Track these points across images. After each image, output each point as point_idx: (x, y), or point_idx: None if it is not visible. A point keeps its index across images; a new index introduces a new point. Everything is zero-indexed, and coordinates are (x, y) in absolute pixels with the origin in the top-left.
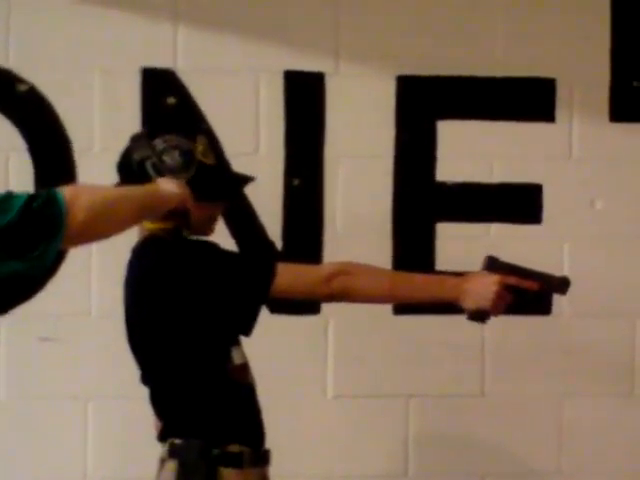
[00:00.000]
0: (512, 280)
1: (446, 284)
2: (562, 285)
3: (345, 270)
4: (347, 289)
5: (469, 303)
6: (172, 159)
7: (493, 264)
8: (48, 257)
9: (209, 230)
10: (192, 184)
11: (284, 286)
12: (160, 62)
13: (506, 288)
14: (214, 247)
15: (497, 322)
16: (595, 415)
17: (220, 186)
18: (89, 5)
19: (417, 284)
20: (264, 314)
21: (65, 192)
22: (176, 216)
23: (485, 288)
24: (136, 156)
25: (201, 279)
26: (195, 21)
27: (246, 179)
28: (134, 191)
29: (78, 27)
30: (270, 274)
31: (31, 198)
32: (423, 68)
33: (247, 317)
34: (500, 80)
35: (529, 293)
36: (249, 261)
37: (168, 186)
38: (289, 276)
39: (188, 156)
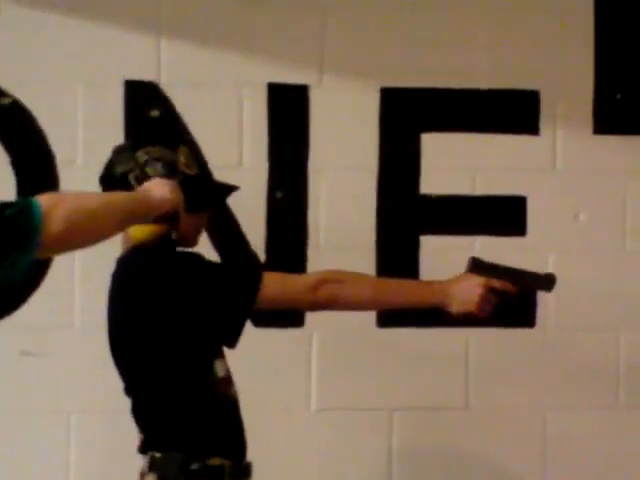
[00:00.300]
0: (496, 283)
1: (431, 288)
2: (548, 282)
3: (331, 278)
4: (334, 297)
5: (454, 307)
6: (155, 171)
7: (477, 265)
8: (20, 267)
9: (194, 241)
10: None
11: (270, 296)
12: (143, 75)
13: (491, 290)
14: (199, 258)
15: (481, 334)
16: (580, 427)
17: (205, 196)
18: (72, 18)
19: (403, 290)
20: (248, 327)
21: (42, 200)
22: (167, 220)
23: (470, 291)
24: (119, 169)
25: (187, 290)
26: (178, 34)
27: (231, 188)
28: (119, 197)
29: (61, 40)
30: (256, 284)
31: (5, 206)
32: (407, 80)
33: (233, 328)
34: (484, 92)
35: (515, 294)
36: (235, 272)
37: (160, 190)
38: (275, 286)
39: (171, 167)
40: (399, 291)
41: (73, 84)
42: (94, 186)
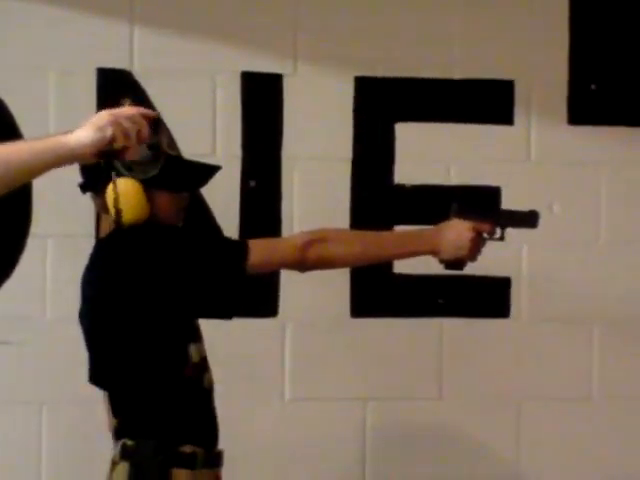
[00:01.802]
0: (484, 226)
1: (421, 237)
2: (532, 218)
3: (319, 238)
4: (322, 256)
5: (446, 254)
6: (139, 154)
7: (461, 211)
8: None
9: (177, 221)
10: (161, 176)
11: (259, 261)
12: (116, 63)
13: (479, 233)
14: (182, 231)
15: (455, 324)
16: (553, 419)
17: (190, 175)
18: (45, 6)
19: (392, 242)
20: None
21: None
22: (105, 157)
23: (460, 236)
24: None
25: (171, 263)
26: (151, 22)
27: (213, 168)
28: (29, 144)
29: (33, 27)
30: (243, 253)
31: None
32: (381, 70)
33: (227, 299)
34: (458, 82)
35: (502, 234)
36: (220, 243)
37: (83, 132)
38: (263, 251)
39: (155, 149)
40: (388, 243)
41: (45, 72)
42: (66, 173)
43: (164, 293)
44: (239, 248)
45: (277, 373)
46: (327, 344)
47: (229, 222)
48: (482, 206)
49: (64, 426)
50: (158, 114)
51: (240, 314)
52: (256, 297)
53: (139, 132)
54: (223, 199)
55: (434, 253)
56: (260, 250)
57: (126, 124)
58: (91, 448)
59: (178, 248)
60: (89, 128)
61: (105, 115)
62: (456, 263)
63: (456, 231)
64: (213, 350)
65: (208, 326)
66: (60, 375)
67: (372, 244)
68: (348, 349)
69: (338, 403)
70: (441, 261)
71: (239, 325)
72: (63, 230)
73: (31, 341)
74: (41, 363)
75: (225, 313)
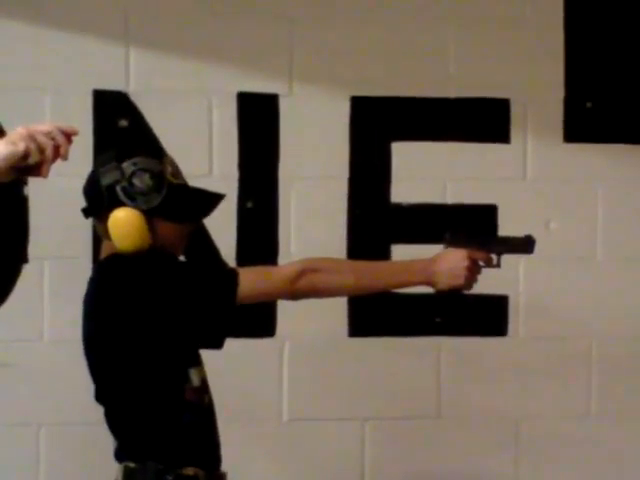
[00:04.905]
0: (479, 254)
1: (413, 268)
2: (528, 245)
3: (309, 268)
4: (314, 287)
5: (442, 284)
6: (142, 182)
7: (455, 239)
8: None
9: (180, 250)
10: (164, 205)
11: (250, 292)
12: (112, 84)
13: (475, 262)
14: (175, 262)
15: (453, 343)
16: (552, 437)
17: (193, 205)
18: (40, 27)
19: (385, 272)
20: None
21: None
22: (19, 173)
23: (455, 265)
24: (105, 180)
25: (163, 295)
26: (147, 43)
27: (218, 197)
28: None
29: (29, 48)
30: (233, 282)
31: None
32: (377, 89)
33: (216, 329)
34: (454, 101)
35: (498, 262)
36: (210, 273)
37: None
38: (253, 282)
39: (159, 178)
40: (381, 274)
41: (41, 93)
42: (62, 197)
43: (158, 321)
44: (229, 279)
45: (275, 393)
46: (325, 364)
47: (226, 242)
48: (476, 234)
49: (63, 448)
50: (77, 130)
51: (238, 334)
52: (254, 317)
53: (57, 148)
54: (220, 220)
55: (429, 284)
56: (251, 280)
57: (41, 139)
58: (90, 470)
59: (170, 278)
60: (1, 143)
61: (20, 130)
62: (452, 293)
63: (451, 261)
64: (211, 371)
65: None
66: (58, 397)
67: (365, 275)
68: (346, 369)
69: (336, 423)
70: (437, 291)
71: (237, 345)
72: (60, 252)
73: (29, 363)
74: (39, 385)
75: (215, 343)
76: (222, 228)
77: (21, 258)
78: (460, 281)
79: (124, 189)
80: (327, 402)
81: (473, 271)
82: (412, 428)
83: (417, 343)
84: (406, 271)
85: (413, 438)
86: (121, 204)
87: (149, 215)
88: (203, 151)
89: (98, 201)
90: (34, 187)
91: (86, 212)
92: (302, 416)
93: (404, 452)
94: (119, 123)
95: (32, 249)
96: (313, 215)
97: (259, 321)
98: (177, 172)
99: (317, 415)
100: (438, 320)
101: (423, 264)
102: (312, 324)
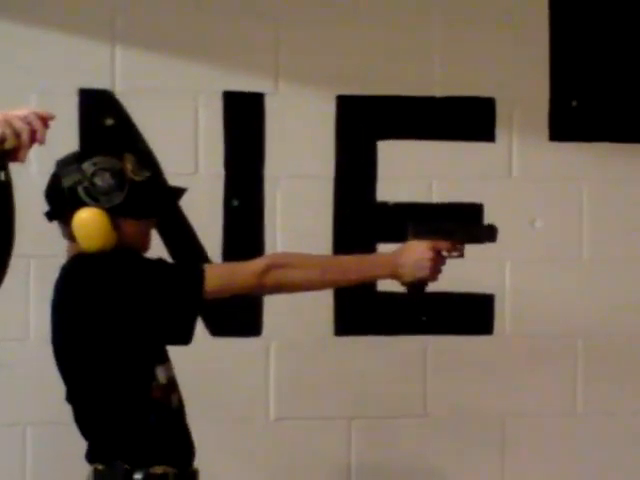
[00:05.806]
0: (443, 244)
1: (378, 262)
2: (490, 233)
3: (275, 263)
4: (280, 282)
5: (407, 276)
6: (104, 181)
7: (419, 231)
8: None
9: (146, 246)
10: (127, 203)
11: (216, 287)
12: (98, 83)
13: (439, 252)
14: (139, 259)
15: (439, 341)
16: (537, 435)
17: (155, 201)
18: (25, 26)
19: (351, 267)
20: (206, 336)
21: None
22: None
23: (420, 257)
24: (66, 182)
25: (128, 292)
26: (133, 42)
27: (178, 191)
28: None
29: (14, 49)
30: (200, 277)
31: None
32: (363, 88)
33: (183, 325)
34: (440, 100)
35: (462, 251)
36: (176, 269)
37: None
38: (220, 277)
39: (119, 176)
40: (347, 268)
41: (27, 93)
42: None
43: (123, 319)
44: (195, 274)
45: (261, 392)
46: (311, 363)
47: (212, 241)
48: (439, 224)
49: (48, 448)
50: (54, 115)
51: (224, 334)
52: (240, 316)
53: (33, 133)
54: (206, 218)
55: (395, 277)
56: (217, 276)
57: (17, 124)
58: (75, 470)
59: (135, 275)
60: None
61: None
62: (418, 285)
63: (415, 252)
64: (198, 370)
65: (192, 345)
66: (44, 396)
67: (331, 270)
68: (332, 368)
69: (323, 422)
70: (403, 284)
71: (223, 344)
72: (45, 251)
73: (15, 363)
74: (25, 384)
75: (182, 339)
76: (208, 226)
77: (8, 246)
78: (425, 272)
79: (86, 189)
80: (314, 401)
81: (437, 262)
82: (398, 426)
83: (403, 342)
84: (372, 265)
85: (399, 436)
86: (84, 204)
87: (112, 213)
88: (189, 150)
89: (61, 203)
90: (17, 183)
91: (50, 215)
92: (289, 415)
93: (390, 450)
94: (105, 122)
95: (18, 248)
96: (299, 213)
97: (245, 320)
98: (137, 169)
99: (304, 414)
100: (424, 319)
101: (388, 258)
102: (298, 323)
